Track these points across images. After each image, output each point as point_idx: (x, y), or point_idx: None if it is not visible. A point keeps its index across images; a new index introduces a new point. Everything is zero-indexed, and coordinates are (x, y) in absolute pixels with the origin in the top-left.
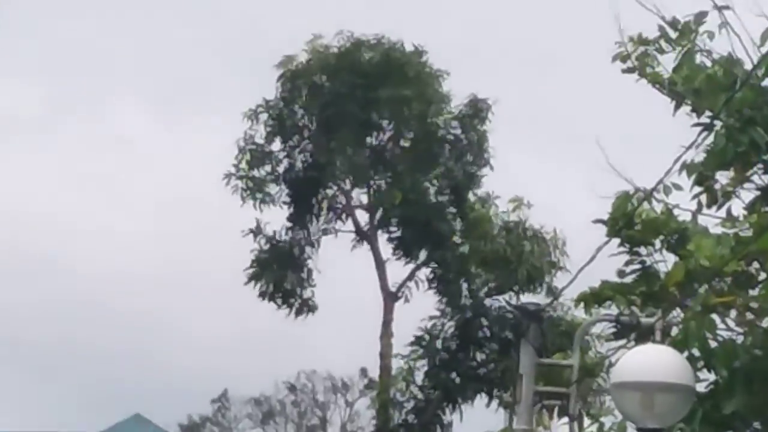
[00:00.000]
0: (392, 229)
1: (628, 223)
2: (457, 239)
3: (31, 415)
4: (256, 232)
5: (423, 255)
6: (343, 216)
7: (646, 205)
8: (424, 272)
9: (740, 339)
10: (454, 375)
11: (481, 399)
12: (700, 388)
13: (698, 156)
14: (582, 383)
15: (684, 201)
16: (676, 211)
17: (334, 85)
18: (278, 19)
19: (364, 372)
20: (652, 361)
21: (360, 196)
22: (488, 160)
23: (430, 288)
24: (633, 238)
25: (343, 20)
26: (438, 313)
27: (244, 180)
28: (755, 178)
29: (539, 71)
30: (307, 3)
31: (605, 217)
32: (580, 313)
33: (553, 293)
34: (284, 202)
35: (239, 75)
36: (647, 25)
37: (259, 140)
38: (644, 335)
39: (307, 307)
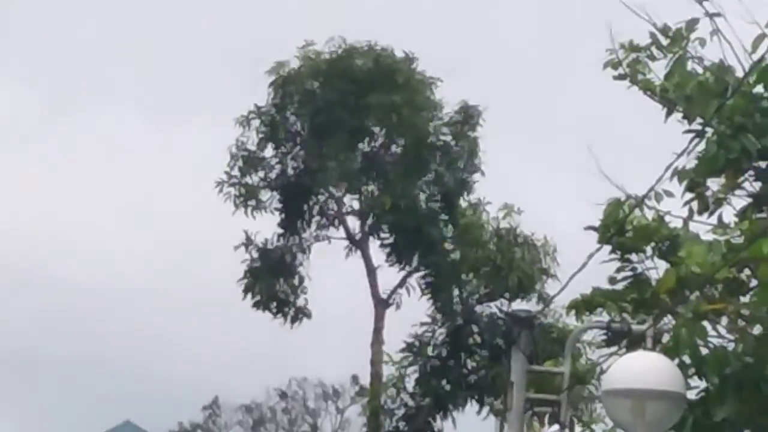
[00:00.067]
0: (384, 235)
1: (619, 229)
2: (448, 246)
3: (22, 423)
4: (247, 243)
5: (414, 261)
6: (335, 222)
7: (637, 211)
8: (416, 279)
9: (731, 346)
10: (444, 382)
11: (471, 406)
12: (691, 395)
13: (690, 163)
14: (573, 390)
15: (675, 208)
16: (667, 218)
17: (326, 92)
18: (270, 25)
19: (355, 379)
20: (643, 369)
21: (352, 202)
22: (479, 167)
23: (422, 294)
24: (624, 245)
25: (335, 27)
26: (429, 320)
27: (236, 187)
28: (746, 185)
29: (531, 78)
30: (299, 10)
31: (596, 223)
32: (571, 321)
33: (545, 300)
34: (276, 209)
35: (232, 81)
36: (639, 32)
37: (251, 147)
38: (635, 342)
39: (302, 314)
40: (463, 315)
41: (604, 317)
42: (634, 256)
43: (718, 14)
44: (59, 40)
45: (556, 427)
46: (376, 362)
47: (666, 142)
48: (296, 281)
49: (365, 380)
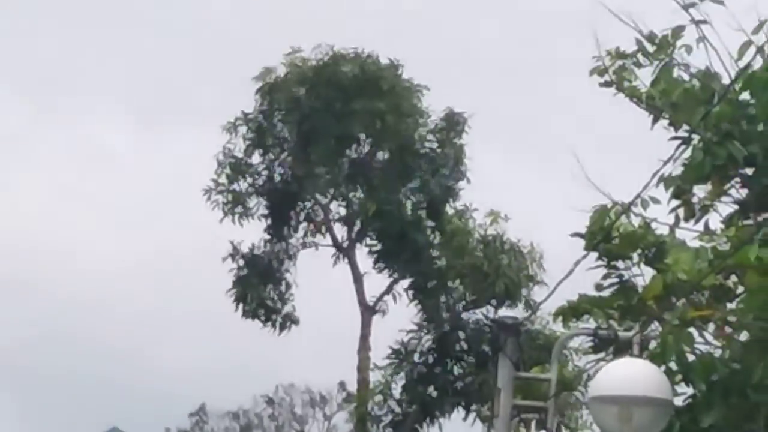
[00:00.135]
0: (371, 242)
1: (605, 236)
2: (435, 252)
3: (9, 430)
4: (234, 254)
5: (401, 268)
6: (322, 230)
7: (623, 218)
8: (402, 285)
9: (718, 353)
10: (431, 389)
11: (458, 413)
12: (678, 401)
13: (676, 170)
14: (560, 397)
15: (662, 215)
16: (653, 225)
17: (312, 99)
18: (256, 32)
19: (342, 385)
20: (630, 375)
21: (338, 209)
22: (465, 174)
23: (409, 301)
24: (611, 252)
25: (322, 33)
26: (415, 327)
27: (224, 194)
28: (733, 191)
29: (518, 84)
30: (286, 17)
31: (583, 230)
32: (558, 327)
33: (531, 307)
34: (262, 215)
35: (218, 89)
36: (625, 39)
37: (238, 154)
38: (622, 349)
39: (290, 321)
40: (450, 322)
41: (591, 324)
42: (620, 263)
43: (705, 21)
44: (47, 45)
45: None
46: (362, 369)
47: (652, 149)
48: (283, 288)
49: (352, 387)
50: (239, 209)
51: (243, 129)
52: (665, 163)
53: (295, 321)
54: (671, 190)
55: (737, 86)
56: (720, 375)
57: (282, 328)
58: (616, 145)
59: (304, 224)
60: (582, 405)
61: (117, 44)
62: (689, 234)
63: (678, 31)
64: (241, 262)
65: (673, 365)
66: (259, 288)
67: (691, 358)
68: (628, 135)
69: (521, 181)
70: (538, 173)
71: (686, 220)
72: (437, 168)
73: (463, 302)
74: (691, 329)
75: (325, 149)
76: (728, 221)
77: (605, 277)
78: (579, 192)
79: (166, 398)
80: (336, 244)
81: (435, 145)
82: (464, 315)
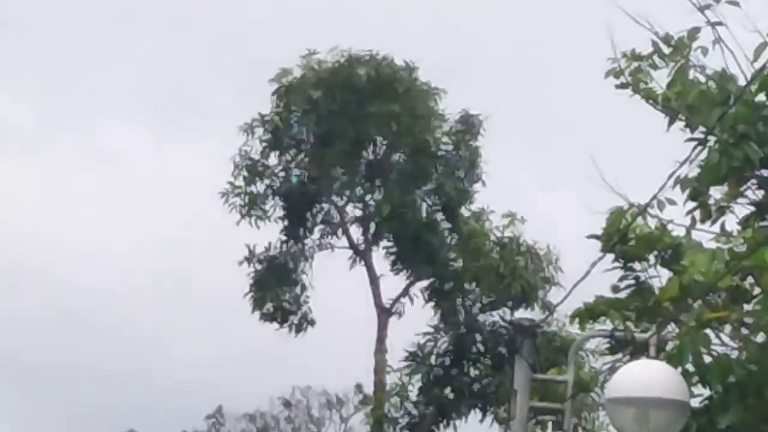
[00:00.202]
0: (387, 244)
1: (622, 238)
2: (451, 254)
3: (23, 428)
4: (250, 258)
5: (417, 270)
6: (338, 231)
7: (640, 220)
8: (419, 287)
9: (735, 354)
10: (448, 391)
11: (475, 415)
12: (695, 403)
13: (692, 171)
14: (576, 399)
15: (678, 216)
16: (670, 227)
17: (328, 101)
18: (271, 33)
19: (358, 388)
20: (646, 377)
21: (355, 211)
22: (480, 176)
23: (427, 302)
24: (627, 254)
25: (337, 35)
26: (432, 329)
27: (242, 196)
28: (749, 193)
29: (534, 86)
30: (300, 19)
31: (599, 232)
32: (574, 329)
33: (548, 309)
34: (279, 218)
35: (231, 92)
36: (640, 41)
37: (254, 156)
38: (639, 350)
39: (306, 322)
40: (467, 324)
41: (608, 326)
42: (636, 265)
43: (720, 23)
44: (61, 46)
45: None
46: (379, 371)
47: (668, 150)
48: (299, 290)
49: (369, 389)
50: (256, 212)
51: (259, 131)
52: (681, 164)
53: (311, 323)
54: (687, 191)
55: (753, 88)
56: (737, 376)
57: (298, 330)
58: (632, 147)
59: (321, 226)
60: (599, 406)
61: (131, 46)
62: (706, 235)
63: (694, 32)
64: (258, 266)
65: (689, 367)
66: (276, 290)
67: (707, 359)
68: (644, 137)
69: (537, 183)
70: (554, 175)
71: (702, 221)
72: (453, 170)
73: (480, 304)
74: (708, 331)
75: (341, 151)
76: (745, 223)
77: (621, 278)
78: (595, 194)
79: (182, 400)
80: (352, 245)
81: (450, 148)
82: (481, 317)
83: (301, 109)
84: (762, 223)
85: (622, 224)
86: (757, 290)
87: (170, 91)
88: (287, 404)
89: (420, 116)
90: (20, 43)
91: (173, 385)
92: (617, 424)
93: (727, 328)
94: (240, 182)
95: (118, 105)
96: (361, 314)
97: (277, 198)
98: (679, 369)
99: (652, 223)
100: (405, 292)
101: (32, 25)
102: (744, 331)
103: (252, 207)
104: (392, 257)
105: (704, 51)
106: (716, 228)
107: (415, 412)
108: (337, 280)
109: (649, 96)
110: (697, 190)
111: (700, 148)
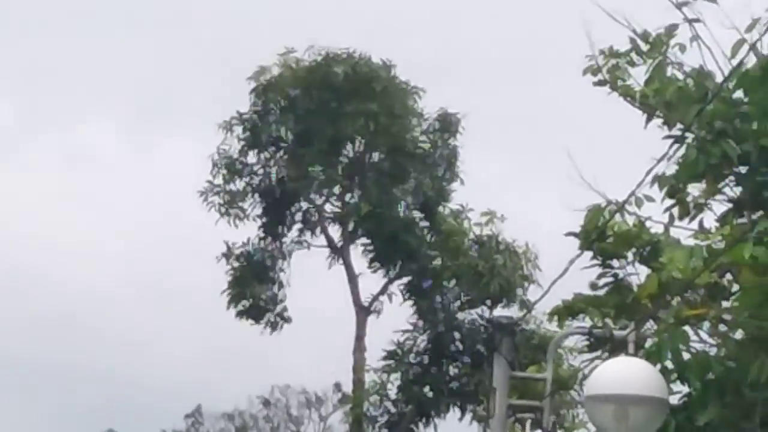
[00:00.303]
0: (365, 241)
1: (600, 235)
2: (430, 253)
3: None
4: (228, 255)
5: (396, 268)
6: (317, 230)
7: (618, 217)
8: (397, 286)
9: (713, 351)
10: (427, 389)
11: (454, 413)
12: (674, 400)
13: (670, 168)
14: (555, 396)
15: (656, 213)
16: (648, 224)
17: (306, 100)
18: (248, 31)
19: (337, 386)
20: (625, 374)
21: (333, 209)
22: (458, 175)
23: (405, 300)
24: (605, 251)
25: (314, 34)
26: (410, 327)
27: (220, 194)
28: (727, 190)
29: (511, 84)
30: (279, 17)
31: (577, 229)
32: (553, 327)
33: (526, 306)
34: (257, 216)
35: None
36: (618, 38)
37: (233, 154)
38: (617, 348)
39: (282, 319)
40: (445, 322)
41: (586, 323)
42: (615, 262)
43: (698, 20)
44: (37, 45)
45: None
46: (358, 369)
47: (646, 148)
48: (276, 288)
49: (348, 387)
50: (235, 210)
51: (238, 129)
52: (659, 161)
53: (287, 320)
54: (665, 188)
55: (731, 84)
56: (715, 373)
57: (273, 327)
58: (610, 144)
59: (299, 224)
60: (577, 404)
61: (108, 45)
62: (684, 232)
63: (671, 29)
64: (236, 263)
65: (668, 364)
66: (254, 287)
67: (686, 356)
68: (621, 134)
69: (515, 181)
70: (532, 173)
71: (681, 218)
72: (431, 169)
73: (459, 302)
74: (687, 328)
75: (319, 150)
76: (723, 219)
77: (600, 276)
78: (573, 191)
79: (161, 399)
80: (330, 244)
81: (428, 146)
82: (459, 315)
83: (279, 107)
84: (740, 220)
85: (600, 222)
86: (735, 287)
87: (148, 89)
88: (266, 403)
89: (398, 115)
90: (0, 42)
91: (152, 385)
92: (596, 422)
93: (706, 325)
94: (219, 180)
95: (95, 104)
96: (340, 312)
97: (255, 196)
98: (658, 366)
99: (630, 220)
100: (383, 291)
101: (11, 24)
102: (722, 328)
103: (231, 205)
104: (369, 255)
105: (682, 48)
106: (694, 225)
107: (394, 410)
108: (316, 278)
109: (626, 93)
110: (674, 187)
111: (677, 145)
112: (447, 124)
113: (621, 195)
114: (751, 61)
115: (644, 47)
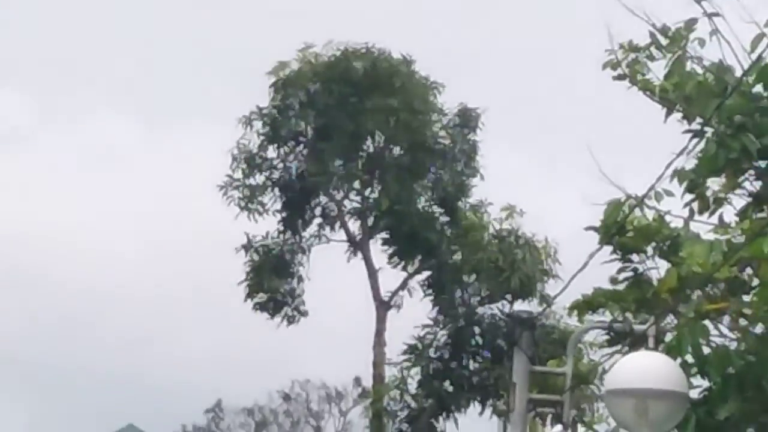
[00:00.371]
0: (384, 236)
1: (620, 230)
2: (450, 247)
3: (24, 428)
4: (247, 247)
5: (416, 263)
6: (336, 225)
7: (638, 212)
8: (417, 280)
9: (733, 345)
10: (447, 383)
11: (474, 407)
12: (694, 394)
13: (689, 163)
14: (575, 391)
15: (676, 208)
16: (667, 218)
17: (325, 95)
18: (267, 26)
19: (357, 381)
20: (645, 368)
21: (352, 204)
22: (478, 170)
23: (424, 296)
24: (625, 245)
25: (334, 29)
26: (431, 322)
27: (240, 189)
28: (747, 184)
29: (531, 79)
30: (298, 11)
31: (597, 224)
32: (573, 321)
33: (546, 301)
34: (277, 210)
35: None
36: (638, 32)
37: (252, 149)
38: (637, 342)
39: (298, 313)
40: (465, 316)
41: (606, 317)
42: (635, 256)
43: (717, 14)
44: (55, 42)
45: (558, 427)
46: (378, 364)
47: (666, 142)
48: (295, 282)
49: (368, 382)
50: (254, 204)
51: (258, 124)
52: (678, 155)
53: (303, 314)
54: (685, 183)
55: (750, 78)
56: (735, 367)
57: (290, 321)
58: (630, 139)
59: (318, 219)
60: (598, 398)
61: (127, 40)
62: (703, 227)
63: (691, 24)
64: (255, 255)
65: (688, 358)
66: (272, 280)
67: (706, 350)
68: (641, 128)
69: (535, 176)
70: (552, 168)
71: (700, 212)
72: (451, 164)
73: (479, 297)
74: (707, 322)
75: (339, 145)
76: (742, 214)
77: (620, 270)
78: (593, 186)
79: (181, 395)
80: (350, 238)
81: (448, 142)
82: (479, 310)
83: (299, 102)
84: (760, 214)
85: (620, 216)
86: (755, 281)
87: (167, 84)
88: (286, 398)
89: (418, 111)
90: (17, 37)
91: (172, 380)
92: (616, 416)
93: (726, 319)
94: (239, 175)
95: (114, 99)
96: (360, 307)
97: (275, 190)
98: (678, 360)
99: (650, 214)
100: (403, 285)
101: (29, 19)
102: (742, 322)
103: (251, 200)
104: (389, 250)
105: (701, 42)
106: (714, 219)
107: (414, 405)
108: (336, 273)
109: (646, 87)
110: (694, 182)
111: (697, 139)
112: (467, 119)
113: (641, 189)
114: None
115: (664, 41)
